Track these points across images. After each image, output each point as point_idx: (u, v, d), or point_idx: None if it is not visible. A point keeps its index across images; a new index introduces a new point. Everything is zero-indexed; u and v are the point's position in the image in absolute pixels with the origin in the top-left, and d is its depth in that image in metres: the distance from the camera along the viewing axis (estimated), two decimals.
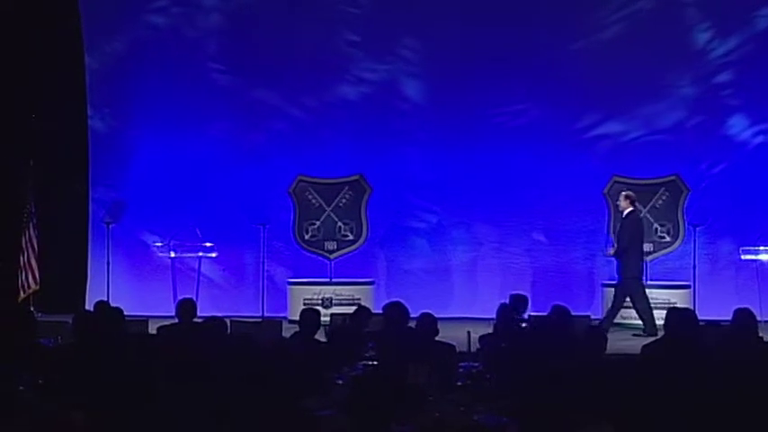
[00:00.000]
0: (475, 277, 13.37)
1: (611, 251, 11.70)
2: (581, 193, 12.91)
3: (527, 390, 5.61)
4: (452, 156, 13.26)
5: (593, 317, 11.40)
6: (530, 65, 13.03)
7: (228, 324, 7.66)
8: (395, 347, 6.81)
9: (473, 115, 13.21)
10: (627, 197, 11.75)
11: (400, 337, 7.27)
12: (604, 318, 11.60)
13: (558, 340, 7.05)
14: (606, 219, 12.72)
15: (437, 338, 7.21)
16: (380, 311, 7.95)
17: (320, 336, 7.71)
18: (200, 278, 13.08)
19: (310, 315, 7.64)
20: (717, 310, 10.46)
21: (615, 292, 11.63)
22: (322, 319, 7.82)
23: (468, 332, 7.82)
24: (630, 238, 11.55)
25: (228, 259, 13.31)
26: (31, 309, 11.24)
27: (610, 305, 11.64)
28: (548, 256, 13.30)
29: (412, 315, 7.64)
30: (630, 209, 11.72)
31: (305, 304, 11.36)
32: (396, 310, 7.61)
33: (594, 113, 13.28)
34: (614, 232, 12.09)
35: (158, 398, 5.18)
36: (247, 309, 12.71)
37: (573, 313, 7.81)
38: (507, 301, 8.73)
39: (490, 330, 8.20)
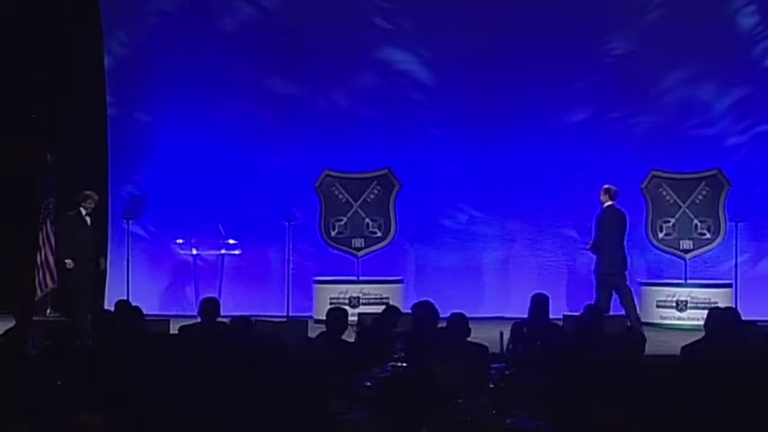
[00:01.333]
0: (507, 276, 13.19)
1: (590, 245, 11.53)
2: (618, 188, 12.56)
3: (563, 392, 5.45)
4: (484, 151, 13.16)
5: None
6: (564, 56, 12.86)
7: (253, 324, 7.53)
8: (424, 348, 6.65)
9: (505, 110, 13.03)
10: (606, 191, 11.78)
11: (430, 337, 7.17)
12: (630, 319, 11.25)
13: (591, 340, 6.89)
14: (644, 214, 12.44)
15: (469, 339, 7.05)
16: (410, 311, 7.84)
17: (347, 336, 7.61)
18: (224, 276, 12.90)
19: (337, 315, 7.57)
20: (760, 309, 10.21)
21: (615, 290, 11.45)
22: (349, 318, 7.70)
23: (501, 333, 7.67)
24: (607, 233, 11.42)
25: (252, 257, 13.16)
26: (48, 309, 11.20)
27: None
28: (582, 253, 13.00)
29: (442, 315, 7.52)
30: (609, 203, 11.66)
31: (331, 303, 11.28)
32: (425, 310, 7.51)
33: (631, 104, 13.04)
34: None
35: (178, 400, 5.07)
36: (272, 308, 12.59)
37: (610, 313, 7.63)
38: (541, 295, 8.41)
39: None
